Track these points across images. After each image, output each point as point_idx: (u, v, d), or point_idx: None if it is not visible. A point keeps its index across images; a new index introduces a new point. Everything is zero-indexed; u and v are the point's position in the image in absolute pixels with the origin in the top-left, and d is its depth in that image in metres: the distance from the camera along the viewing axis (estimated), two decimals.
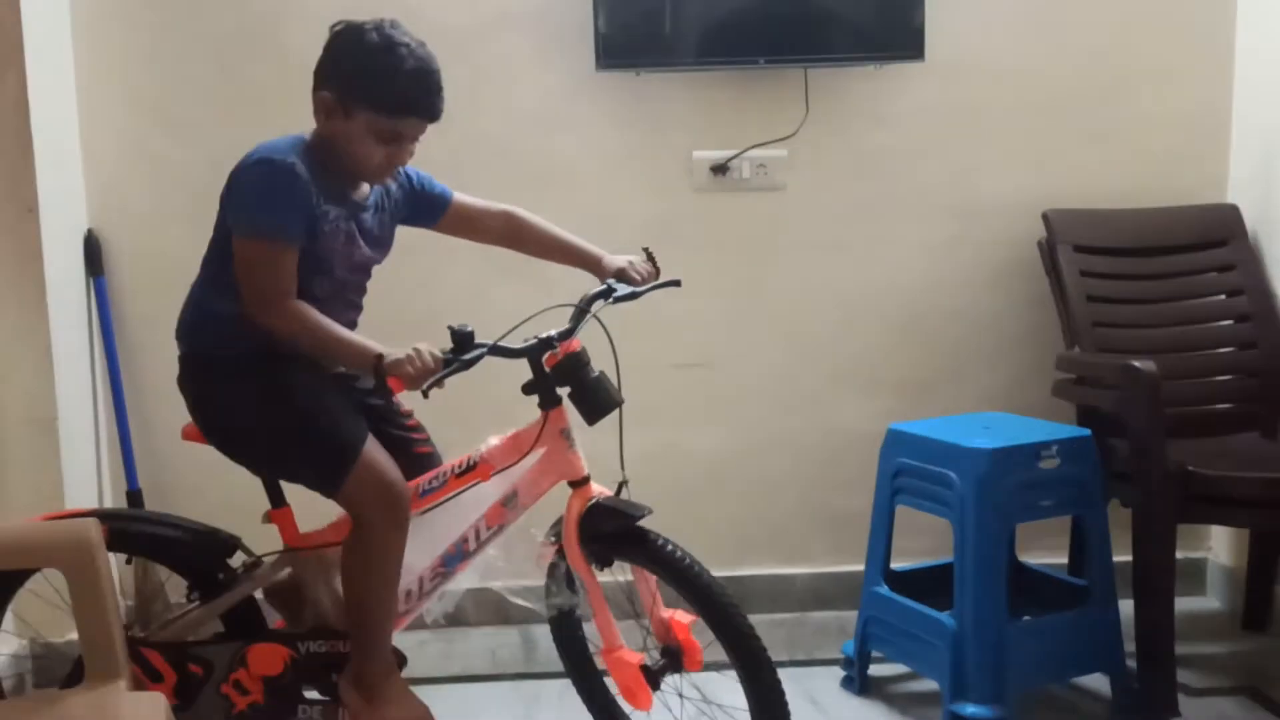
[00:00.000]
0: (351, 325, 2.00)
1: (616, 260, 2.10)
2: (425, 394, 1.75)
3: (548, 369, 1.93)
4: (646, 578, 2.01)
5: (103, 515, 2.04)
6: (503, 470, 1.99)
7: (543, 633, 2.79)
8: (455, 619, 2.13)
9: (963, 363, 2.98)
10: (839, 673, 2.56)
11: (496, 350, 1.84)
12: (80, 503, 2.62)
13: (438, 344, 1.79)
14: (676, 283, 2.10)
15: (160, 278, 2.81)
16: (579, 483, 1.98)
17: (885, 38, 2.79)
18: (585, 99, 2.82)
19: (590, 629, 2.08)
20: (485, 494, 2.00)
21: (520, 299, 1.99)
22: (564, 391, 1.97)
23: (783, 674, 1.92)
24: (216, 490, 2.53)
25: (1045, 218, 2.83)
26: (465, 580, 2.06)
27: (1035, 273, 2.88)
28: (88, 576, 1.51)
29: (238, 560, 2.06)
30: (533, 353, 1.92)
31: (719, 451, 2.90)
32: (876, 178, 2.93)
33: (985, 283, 2.96)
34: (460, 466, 2.00)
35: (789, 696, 1.98)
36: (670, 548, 1.95)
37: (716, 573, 2.02)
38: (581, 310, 1.99)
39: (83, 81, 2.74)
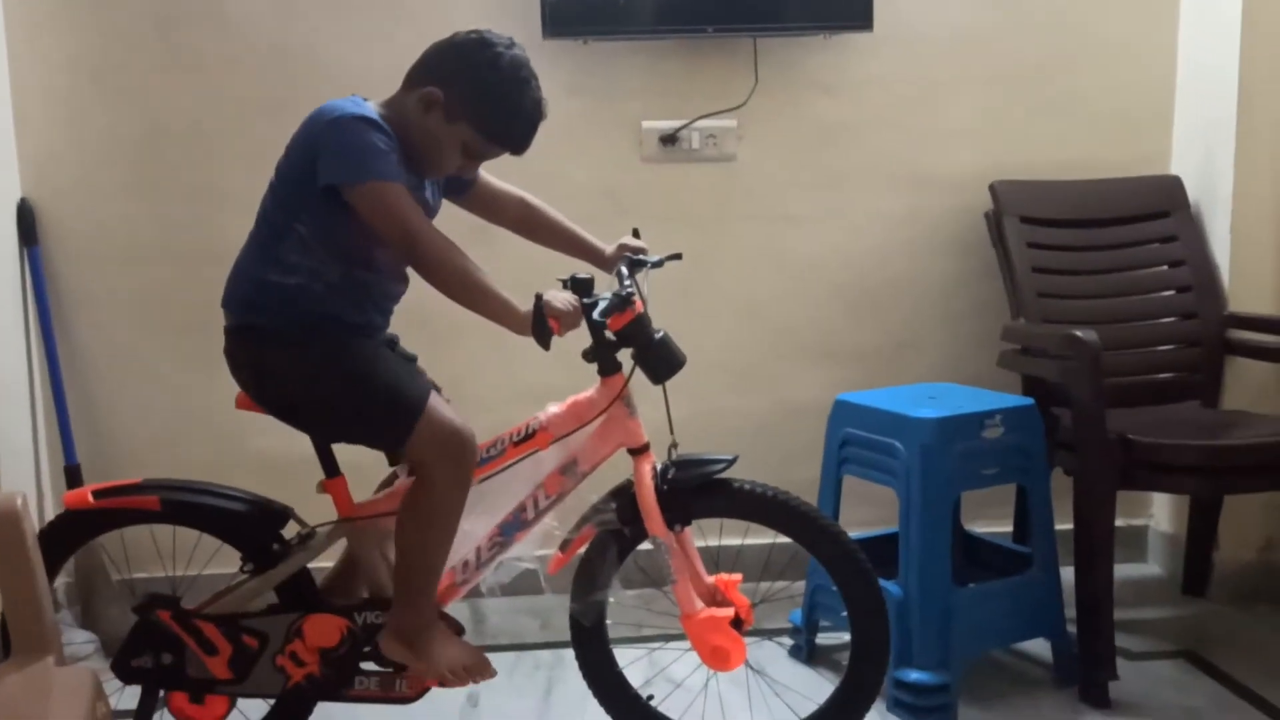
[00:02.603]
0: (400, 296, 2.02)
1: (615, 246, 2.13)
2: (548, 346, 1.78)
3: (614, 332, 1.91)
4: (687, 545, 2.00)
5: (155, 485, 2.01)
6: (562, 438, 1.97)
7: (491, 606, 2.82)
8: None
9: (911, 333, 3.00)
10: (787, 642, 2.58)
11: (623, 298, 1.87)
12: (14, 479, 2.57)
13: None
14: (678, 256, 2.14)
15: (98, 248, 2.77)
16: (639, 450, 1.97)
17: (834, 7, 2.78)
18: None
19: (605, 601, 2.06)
20: (544, 462, 1.98)
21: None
22: (624, 355, 1.95)
23: None
24: (158, 465, 2.50)
25: (992, 189, 2.84)
26: (529, 549, 2.04)
27: (983, 244, 2.89)
28: (13, 549, 1.47)
29: (291, 531, 2.03)
30: (626, 301, 1.89)
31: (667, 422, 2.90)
32: (826, 148, 2.93)
33: (934, 254, 2.98)
34: (518, 434, 1.98)
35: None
36: (754, 487, 1.97)
37: None
38: (627, 274, 1.99)
39: (13, 45, 2.67)
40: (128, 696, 2.01)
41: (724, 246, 2.93)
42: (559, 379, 2.00)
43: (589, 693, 2.10)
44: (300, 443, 1.97)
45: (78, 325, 2.78)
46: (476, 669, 1.96)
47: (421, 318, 2.14)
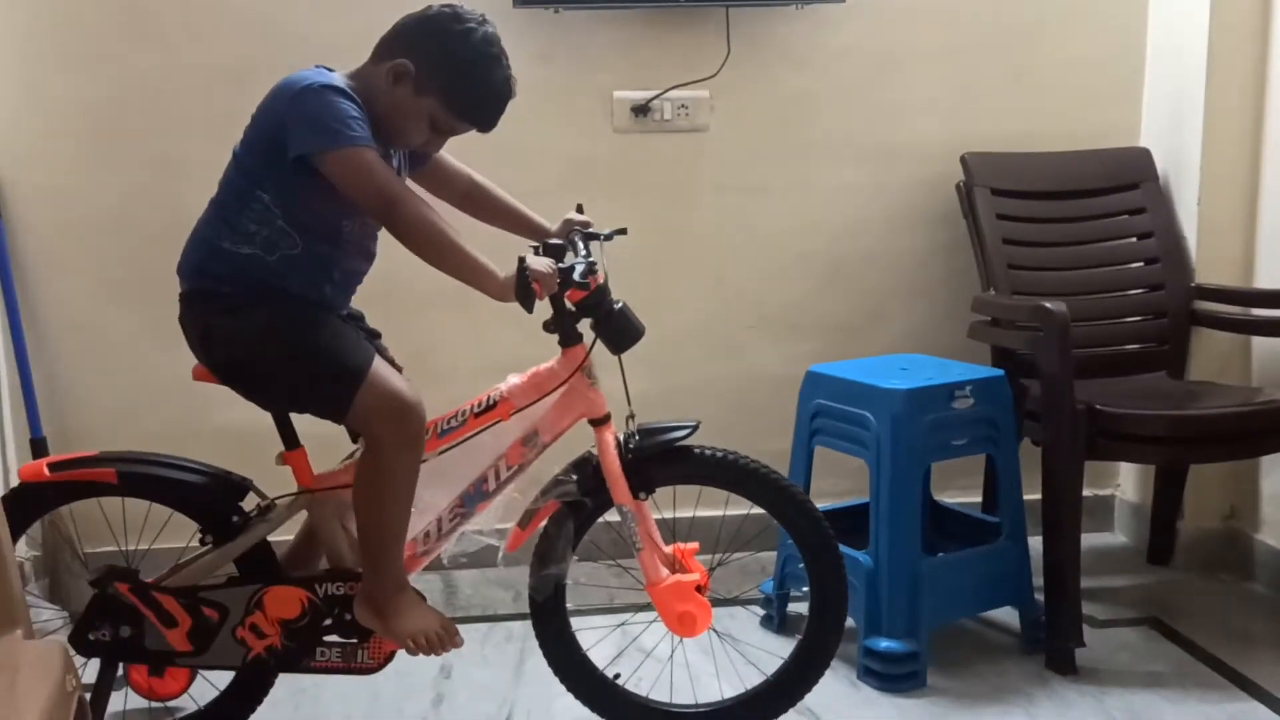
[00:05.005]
0: (363, 275, 2.01)
1: (560, 222, 2.11)
2: (532, 309, 1.78)
3: (573, 304, 1.90)
4: (645, 516, 2.00)
5: (112, 458, 1.99)
6: (523, 409, 1.97)
7: (462, 577, 2.81)
8: None
9: (882, 305, 3.01)
10: (759, 612, 2.59)
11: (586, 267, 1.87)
12: None
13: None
14: (624, 231, 2.13)
15: (62, 219, 2.73)
16: (601, 420, 1.97)
17: None
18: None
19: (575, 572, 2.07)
20: (505, 433, 1.98)
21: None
22: (584, 326, 1.95)
23: None
24: (124, 437, 2.47)
25: (963, 161, 2.85)
26: (491, 520, 2.03)
27: (954, 216, 2.90)
28: None
29: (250, 503, 2.02)
30: (589, 271, 1.89)
31: (639, 395, 2.89)
32: (798, 120, 2.92)
33: (905, 225, 2.98)
34: (480, 405, 1.97)
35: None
36: (715, 452, 1.99)
37: None
38: (583, 247, 1.98)
39: None
40: (92, 670, 1.99)
41: (696, 217, 2.92)
42: (522, 351, 2.00)
43: None
44: (260, 415, 1.95)
45: (41, 296, 2.74)
46: (444, 636, 1.96)
47: (385, 290, 2.13)
